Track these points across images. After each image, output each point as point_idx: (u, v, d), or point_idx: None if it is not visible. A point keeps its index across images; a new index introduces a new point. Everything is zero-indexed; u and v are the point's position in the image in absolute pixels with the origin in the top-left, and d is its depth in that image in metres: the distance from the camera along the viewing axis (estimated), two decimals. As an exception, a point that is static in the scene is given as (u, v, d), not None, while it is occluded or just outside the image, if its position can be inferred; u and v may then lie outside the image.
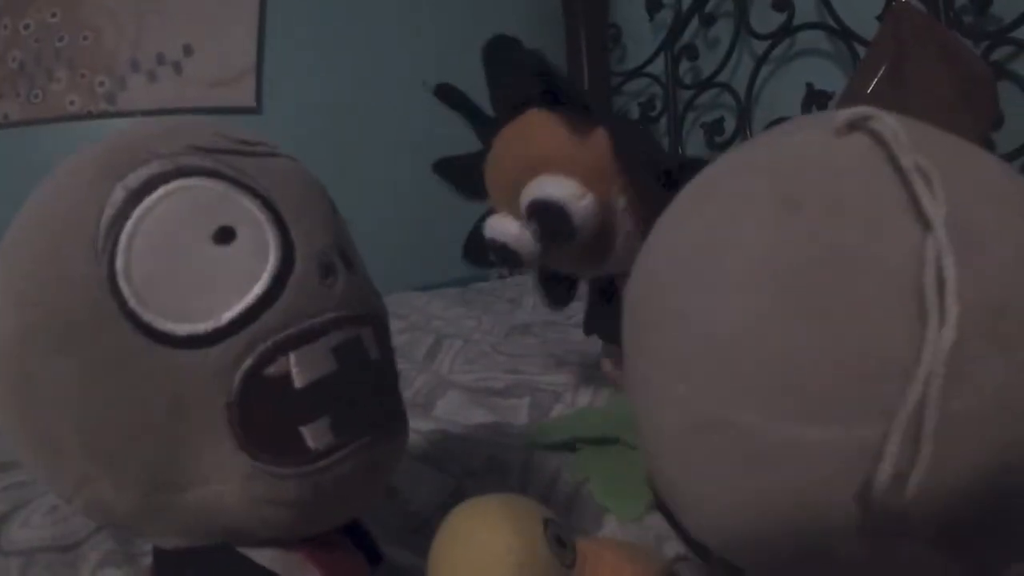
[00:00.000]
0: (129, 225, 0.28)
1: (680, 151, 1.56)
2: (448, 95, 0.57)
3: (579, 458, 0.56)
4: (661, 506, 0.32)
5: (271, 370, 0.29)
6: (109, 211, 0.28)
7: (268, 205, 0.31)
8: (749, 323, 0.23)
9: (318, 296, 0.31)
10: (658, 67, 1.58)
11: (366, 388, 0.32)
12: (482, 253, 0.56)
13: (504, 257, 0.52)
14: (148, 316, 0.28)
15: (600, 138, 0.48)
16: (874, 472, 0.20)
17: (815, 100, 1.26)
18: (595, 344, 0.72)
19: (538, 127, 0.50)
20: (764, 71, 1.39)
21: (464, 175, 0.56)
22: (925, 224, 0.21)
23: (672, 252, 0.28)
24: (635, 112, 1.67)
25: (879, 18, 1.12)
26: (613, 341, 0.61)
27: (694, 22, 1.50)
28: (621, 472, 0.52)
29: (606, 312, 0.61)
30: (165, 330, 0.28)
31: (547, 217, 0.46)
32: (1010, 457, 0.20)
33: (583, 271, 0.56)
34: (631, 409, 0.29)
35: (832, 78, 1.26)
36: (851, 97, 1.16)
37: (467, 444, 0.60)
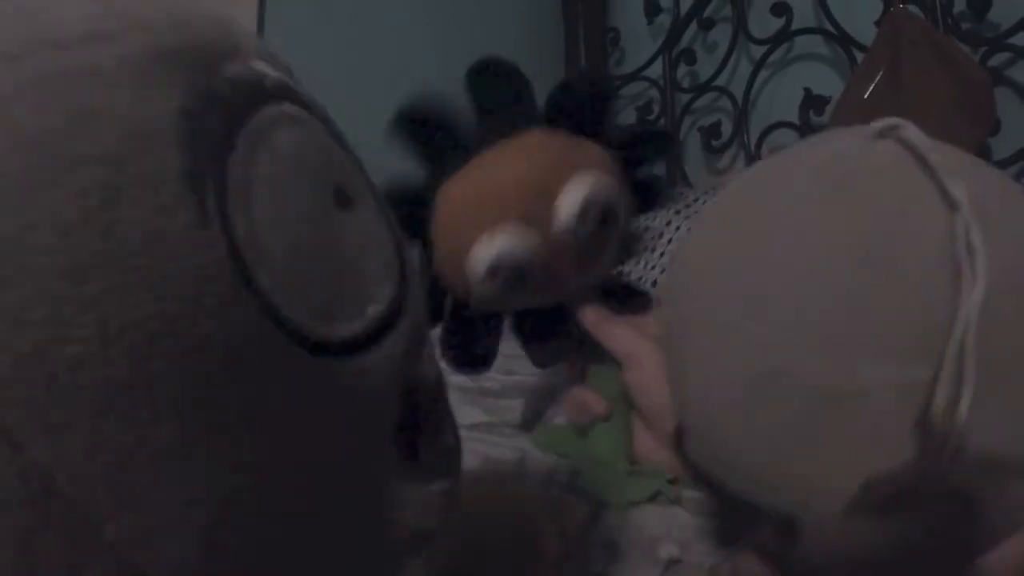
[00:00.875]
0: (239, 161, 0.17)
1: (678, 155, 1.56)
2: (410, 122, 0.49)
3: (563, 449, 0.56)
4: (700, 477, 0.34)
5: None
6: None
7: (357, 159, 0.23)
8: (803, 282, 0.27)
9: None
10: (656, 71, 1.58)
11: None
12: (434, 301, 0.52)
13: (513, 276, 0.46)
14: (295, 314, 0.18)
15: (601, 150, 0.49)
16: (930, 403, 0.24)
17: (813, 105, 1.27)
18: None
19: (554, 141, 0.48)
20: (762, 75, 1.40)
21: (409, 208, 0.48)
22: (952, 206, 0.26)
23: (725, 234, 0.31)
24: (632, 116, 1.68)
25: (877, 23, 1.13)
26: (561, 359, 0.59)
27: (692, 26, 1.50)
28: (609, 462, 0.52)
29: (546, 339, 0.58)
30: (320, 335, 0.18)
31: (600, 209, 0.45)
32: None
33: (561, 289, 0.53)
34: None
35: (830, 83, 1.27)
36: (848, 102, 1.17)
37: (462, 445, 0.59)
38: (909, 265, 0.26)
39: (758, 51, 1.38)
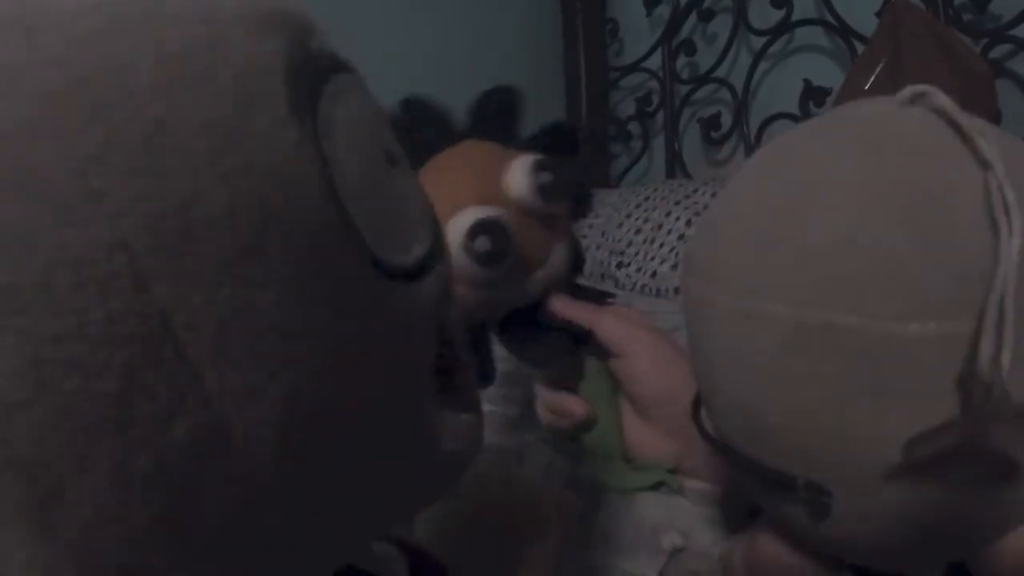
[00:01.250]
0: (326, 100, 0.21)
1: (677, 146, 1.56)
2: (413, 111, 0.54)
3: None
4: (721, 449, 0.34)
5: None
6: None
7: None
8: (846, 236, 0.27)
9: None
10: (655, 62, 1.58)
11: None
12: None
13: (499, 236, 0.46)
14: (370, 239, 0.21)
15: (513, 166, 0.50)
16: (975, 356, 0.24)
17: (813, 96, 1.26)
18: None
19: (481, 144, 0.52)
20: (762, 67, 1.39)
21: None
22: (984, 165, 0.26)
23: (759, 195, 0.31)
24: (632, 107, 1.67)
25: (878, 15, 1.12)
26: (563, 380, 0.59)
27: (692, 17, 1.50)
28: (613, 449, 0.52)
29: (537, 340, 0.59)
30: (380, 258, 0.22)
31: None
32: None
33: (523, 280, 0.54)
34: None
35: (830, 74, 1.26)
36: (849, 93, 1.16)
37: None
38: (948, 221, 0.26)
39: (758, 42, 1.38)
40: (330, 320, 0.20)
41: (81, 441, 0.16)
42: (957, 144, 0.28)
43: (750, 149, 1.38)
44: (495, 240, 0.46)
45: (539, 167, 0.48)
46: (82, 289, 0.15)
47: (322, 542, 0.22)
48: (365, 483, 0.23)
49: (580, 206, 0.56)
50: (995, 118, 1.01)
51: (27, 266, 0.15)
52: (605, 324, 0.51)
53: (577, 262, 0.56)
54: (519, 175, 0.48)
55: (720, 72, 1.46)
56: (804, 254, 0.28)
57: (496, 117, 0.54)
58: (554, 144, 0.54)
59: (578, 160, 0.57)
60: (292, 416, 0.19)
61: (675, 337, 0.51)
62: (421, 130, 0.53)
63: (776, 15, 1.32)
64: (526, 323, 0.54)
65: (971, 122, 0.28)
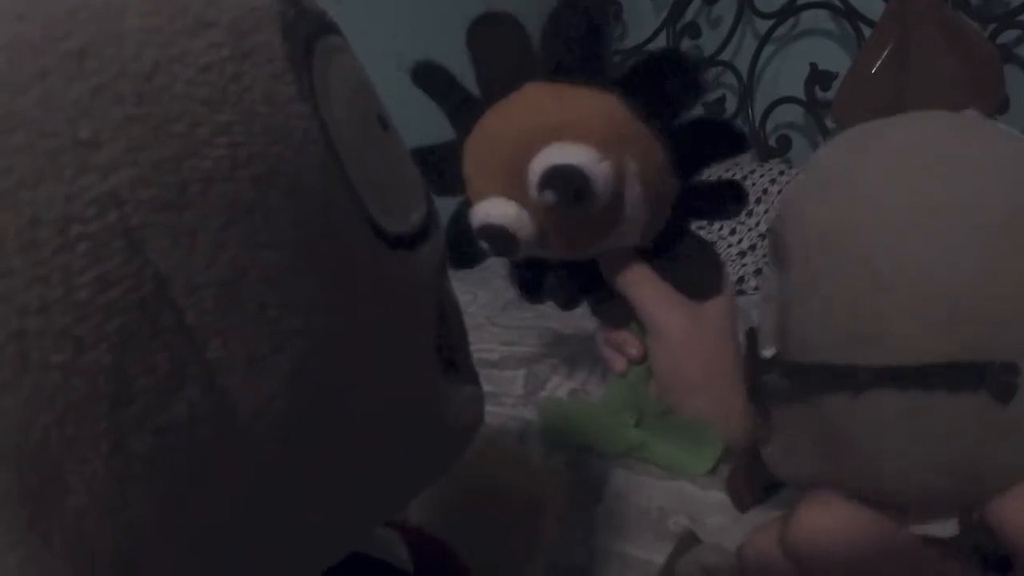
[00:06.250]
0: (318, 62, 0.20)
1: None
2: (429, 76, 0.51)
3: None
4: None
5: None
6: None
7: None
8: (939, 256, 0.26)
9: None
10: (659, 45, 1.56)
11: None
12: (462, 251, 0.54)
13: (499, 242, 0.46)
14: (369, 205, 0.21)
15: (611, 103, 0.47)
16: None
17: (818, 80, 1.25)
18: (592, 318, 0.72)
19: (542, 98, 0.47)
20: (767, 50, 1.38)
21: (438, 167, 0.51)
22: None
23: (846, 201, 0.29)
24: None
25: (886, -2, 1.11)
26: (613, 322, 0.58)
27: (696, 0, 1.49)
28: (676, 433, 0.51)
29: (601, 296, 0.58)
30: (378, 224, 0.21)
31: (566, 181, 0.44)
32: None
33: (578, 250, 0.52)
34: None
35: (836, 58, 1.25)
36: (855, 77, 1.15)
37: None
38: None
39: (763, 25, 1.37)
40: (334, 286, 0.18)
41: (73, 422, 0.14)
42: None
43: (755, 133, 1.37)
44: (493, 246, 0.47)
45: (545, 182, 0.43)
46: (69, 250, 0.14)
47: (328, 525, 0.20)
48: (370, 460, 0.22)
49: (729, 146, 0.50)
50: (1003, 104, 1.00)
51: (7, 225, 0.13)
52: (644, 299, 0.51)
53: (707, 209, 0.53)
54: (532, 181, 0.44)
55: (725, 55, 1.44)
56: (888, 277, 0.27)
57: (572, 48, 0.47)
58: (656, 83, 0.46)
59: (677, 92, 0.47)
60: (299, 389, 0.17)
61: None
62: (494, 57, 0.49)
63: (782, -2, 1.31)
64: (580, 271, 0.54)
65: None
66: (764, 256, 1.05)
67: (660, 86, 0.46)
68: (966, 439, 0.27)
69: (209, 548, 0.17)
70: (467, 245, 0.52)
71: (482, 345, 0.81)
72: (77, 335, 0.14)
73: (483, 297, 1.06)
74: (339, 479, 0.20)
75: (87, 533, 0.15)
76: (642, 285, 0.51)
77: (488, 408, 0.60)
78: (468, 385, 0.27)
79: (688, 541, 0.38)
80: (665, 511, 0.45)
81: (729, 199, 0.51)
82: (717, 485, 0.46)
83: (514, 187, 0.45)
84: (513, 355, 0.76)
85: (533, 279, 0.57)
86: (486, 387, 0.71)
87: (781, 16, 1.32)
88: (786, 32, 1.36)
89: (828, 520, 0.30)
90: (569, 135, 0.44)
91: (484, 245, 0.48)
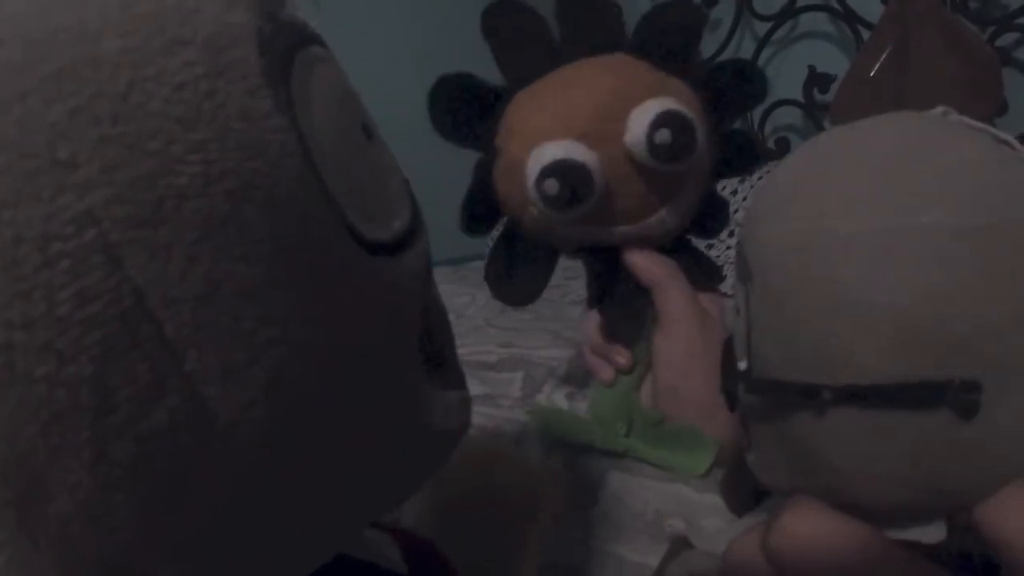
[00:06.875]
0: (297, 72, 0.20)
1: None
2: (451, 88, 0.49)
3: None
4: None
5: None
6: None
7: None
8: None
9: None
10: (659, 47, 1.56)
11: None
12: (487, 215, 0.52)
13: (576, 177, 0.44)
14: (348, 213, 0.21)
15: (688, 90, 0.47)
16: None
17: (817, 83, 1.26)
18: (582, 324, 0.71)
19: (636, 64, 0.47)
20: (766, 53, 1.38)
21: (473, 104, 0.49)
22: None
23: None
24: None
25: (884, 1, 1.11)
26: (624, 339, 0.54)
27: (696, 2, 1.48)
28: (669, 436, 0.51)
29: (621, 301, 0.56)
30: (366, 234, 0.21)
31: (681, 125, 0.42)
32: None
33: (631, 221, 0.51)
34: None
35: (835, 61, 1.25)
36: (854, 79, 1.15)
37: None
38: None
39: (762, 27, 1.37)
40: (313, 296, 0.19)
41: (57, 432, 0.15)
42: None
43: (754, 135, 1.37)
44: (564, 186, 0.44)
45: (661, 121, 0.43)
46: (50, 267, 0.14)
47: (312, 530, 0.21)
48: (355, 465, 0.22)
49: (735, 164, 0.52)
50: (1002, 106, 1.00)
51: None
52: (664, 292, 0.50)
53: (707, 223, 0.53)
54: (639, 122, 0.44)
55: (724, 58, 1.44)
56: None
57: (666, 34, 0.49)
58: (730, 87, 0.49)
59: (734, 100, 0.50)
60: (277, 396, 0.18)
61: None
62: (581, 24, 0.50)
63: (780, 0, 1.31)
64: (610, 258, 0.52)
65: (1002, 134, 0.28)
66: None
67: (737, 89, 0.49)
68: (932, 456, 0.27)
69: (193, 552, 0.18)
70: (483, 204, 0.51)
71: (480, 347, 0.81)
72: (59, 348, 0.14)
73: (481, 299, 1.06)
74: (322, 484, 0.20)
75: (72, 538, 0.15)
76: (677, 277, 0.50)
77: (486, 410, 0.61)
78: (455, 390, 0.27)
79: (679, 547, 0.38)
80: (661, 513, 0.45)
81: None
82: (713, 488, 0.46)
83: (596, 135, 0.45)
84: (511, 357, 0.76)
85: (601, 289, 0.55)
86: (484, 389, 0.71)
87: (780, 18, 1.32)
88: (785, 34, 1.36)
89: (810, 527, 0.29)
90: (671, 93, 0.46)
91: (547, 189, 0.44)
